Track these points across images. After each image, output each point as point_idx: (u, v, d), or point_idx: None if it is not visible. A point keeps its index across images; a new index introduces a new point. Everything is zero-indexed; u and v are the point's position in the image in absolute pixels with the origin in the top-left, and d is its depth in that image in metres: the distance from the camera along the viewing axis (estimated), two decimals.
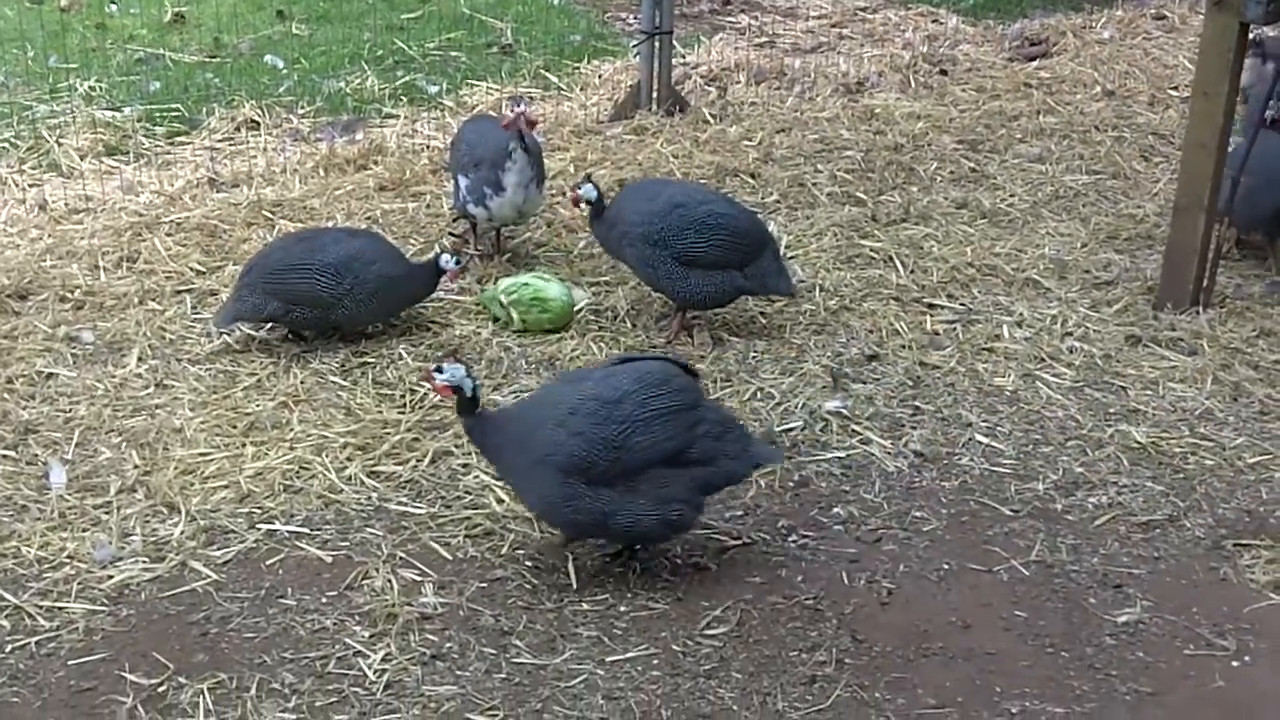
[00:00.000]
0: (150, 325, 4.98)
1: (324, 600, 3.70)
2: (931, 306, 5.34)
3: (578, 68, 7.73)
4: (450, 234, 5.71)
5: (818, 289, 5.42)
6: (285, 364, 4.78)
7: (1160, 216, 6.03)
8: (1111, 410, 4.71)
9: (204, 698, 3.35)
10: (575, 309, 5.15)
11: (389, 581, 3.76)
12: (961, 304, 5.37)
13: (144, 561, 3.82)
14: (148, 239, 5.58)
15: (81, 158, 6.31)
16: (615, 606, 3.73)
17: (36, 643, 3.53)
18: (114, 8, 8.50)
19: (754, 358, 4.96)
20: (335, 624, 3.62)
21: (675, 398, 3.68)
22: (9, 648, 3.51)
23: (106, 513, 4.00)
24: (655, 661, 3.55)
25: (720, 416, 3.81)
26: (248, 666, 3.47)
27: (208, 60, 7.67)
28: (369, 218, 5.84)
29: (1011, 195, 6.36)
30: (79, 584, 3.72)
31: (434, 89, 7.34)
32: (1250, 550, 4.03)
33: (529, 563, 3.88)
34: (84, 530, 3.93)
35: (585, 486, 3.60)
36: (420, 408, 4.56)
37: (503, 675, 3.48)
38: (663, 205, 4.90)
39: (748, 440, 3.86)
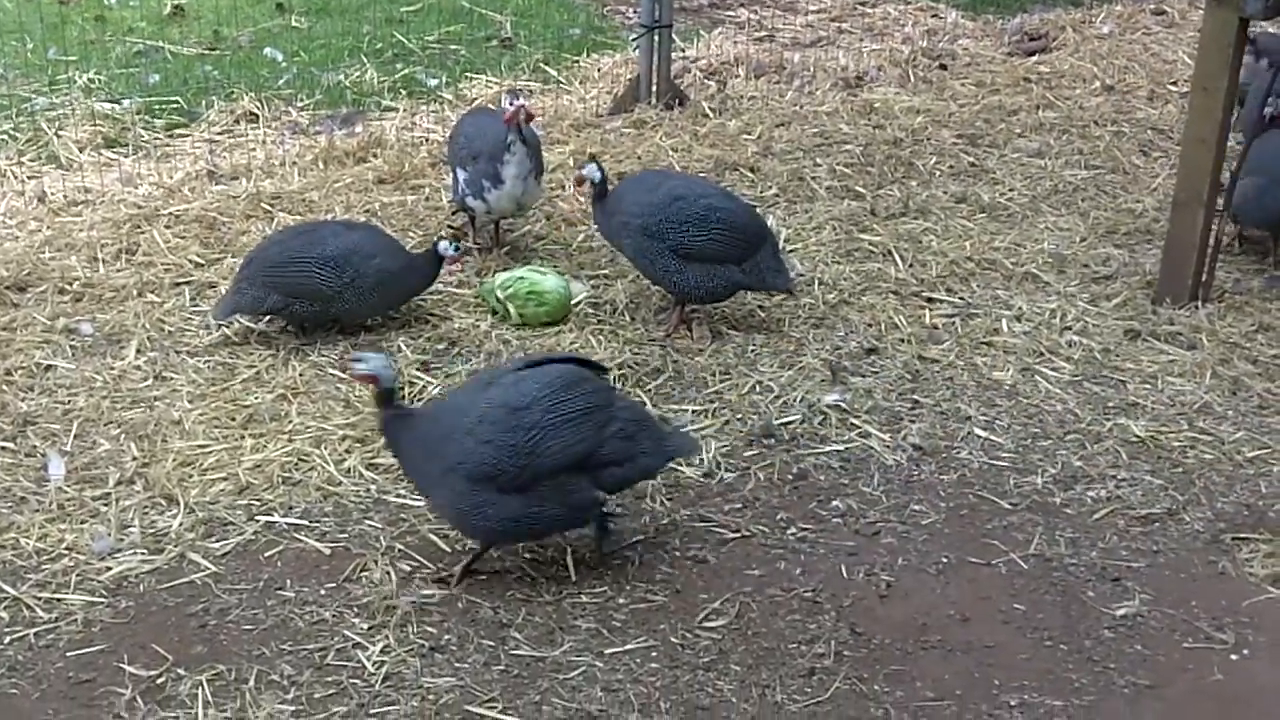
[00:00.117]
0: (149, 317, 4.98)
1: (323, 592, 3.70)
2: (930, 300, 5.34)
3: (577, 61, 7.73)
4: (449, 226, 5.71)
5: (817, 283, 5.41)
6: (284, 356, 4.78)
7: (1159, 211, 6.04)
8: (1110, 404, 4.71)
9: (202, 689, 3.35)
10: (574, 302, 5.15)
11: (387, 574, 3.76)
12: (960, 298, 5.37)
13: (142, 553, 3.82)
14: (147, 231, 5.57)
15: (80, 150, 6.30)
16: (614, 599, 3.74)
17: (35, 634, 3.53)
18: (113, 0, 8.48)
19: (753, 351, 4.96)
20: (334, 616, 3.62)
21: (584, 400, 3.64)
22: (8, 639, 3.51)
23: (105, 504, 4.00)
24: (654, 654, 3.55)
25: (632, 414, 3.77)
26: (246, 658, 3.47)
27: (207, 53, 7.66)
28: (368, 210, 5.84)
29: (1010, 190, 6.36)
30: (78, 576, 3.72)
31: (433, 82, 7.34)
32: (1249, 544, 4.04)
33: (527, 555, 3.88)
34: (83, 522, 3.93)
35: (495, 494, 3.56)
36: (419, 400, 4.56)
37: (501, 667, 3.48)
38: (662, 197, 4.89)
39: (662, 435, 3.83)
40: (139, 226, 5.61)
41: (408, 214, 5.85)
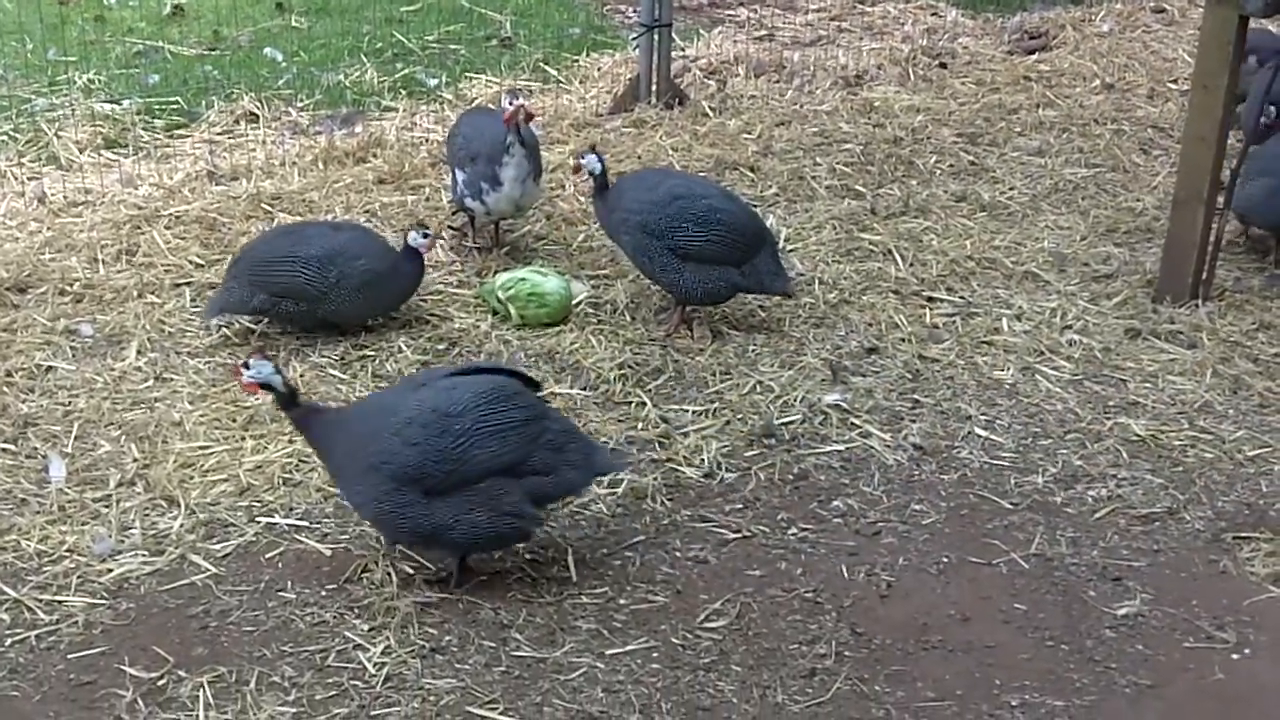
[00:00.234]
0: (149, 318, 4.98)
1: (323, 594, 3.70)
2: (931, 300, 5.34)
3: (577, 61, 7.72)
4: (449, 227, 5.71)
5: (817, 282, 5.41)
6: (285, 357, 4.78)
7: (1159, 209, 6.03)
8: (1111, 403, 4.71)
9: (204, 691, 3.35)
10: (574, 302, 5.15)
11: (388, 575, 3.76)
12: (961, 297, 5.37)
13: (143, 555, 3.82)
14: (147, 232, 5.57)
15: (80, 151, 6.30)
16: (615, 599, 3.74)
17: (36, 636, 3.53)
18: (113, 0, 8.48)
19: (753, 351, 4.96)
20: (335, 617, 3.62)
21: (516, 412, 3.61)
22: (9, 641, 3.51)
23: (106, 506, 4.00)
24: (655, 655, 3.55)
25: (563, 428, 3.74)
26: (247, 660, 3.47)
27: (207, 53, 7.66)
28: (367, 210, 5.84)
29: (1011, 188, 6.35)
30: (78, 577, 3.72)
31: (433, 82, 7.34)
32: (1250, 543, 4.04)
33: (528, 556, 3.88)
34: (83, 524, 3.93)
35: (419, 496, 3.54)
36: None
37: (502, 668, 3.48)
38: (663, 196, 4.89)
39: (591, 450, 3.79)
40: (139, 227, 5.61)
41: (408, 214, 5.84)
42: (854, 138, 6.80)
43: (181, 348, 4.83)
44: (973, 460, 4.39)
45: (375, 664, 3.46)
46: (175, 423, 4.39)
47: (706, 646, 3.58)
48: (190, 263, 5.37)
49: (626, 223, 4.93)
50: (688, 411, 4.57)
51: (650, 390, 4.67)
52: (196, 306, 5.10)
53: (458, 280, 5.35)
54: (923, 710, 3.41)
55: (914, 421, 4.56)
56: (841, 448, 4.42)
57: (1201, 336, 5.10)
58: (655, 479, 4.21)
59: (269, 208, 5.82)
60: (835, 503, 4.17)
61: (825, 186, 6.28)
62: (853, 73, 7.70)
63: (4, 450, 4.25)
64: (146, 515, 3.98)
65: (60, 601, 3.64)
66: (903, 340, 5.04)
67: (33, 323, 4.93)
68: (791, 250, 5.65)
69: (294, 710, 3.32)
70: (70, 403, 4.49)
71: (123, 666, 3.43)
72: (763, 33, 8.36)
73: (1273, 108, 5.69)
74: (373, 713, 3.33)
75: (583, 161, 5.03)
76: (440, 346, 4.90)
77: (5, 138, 6.41)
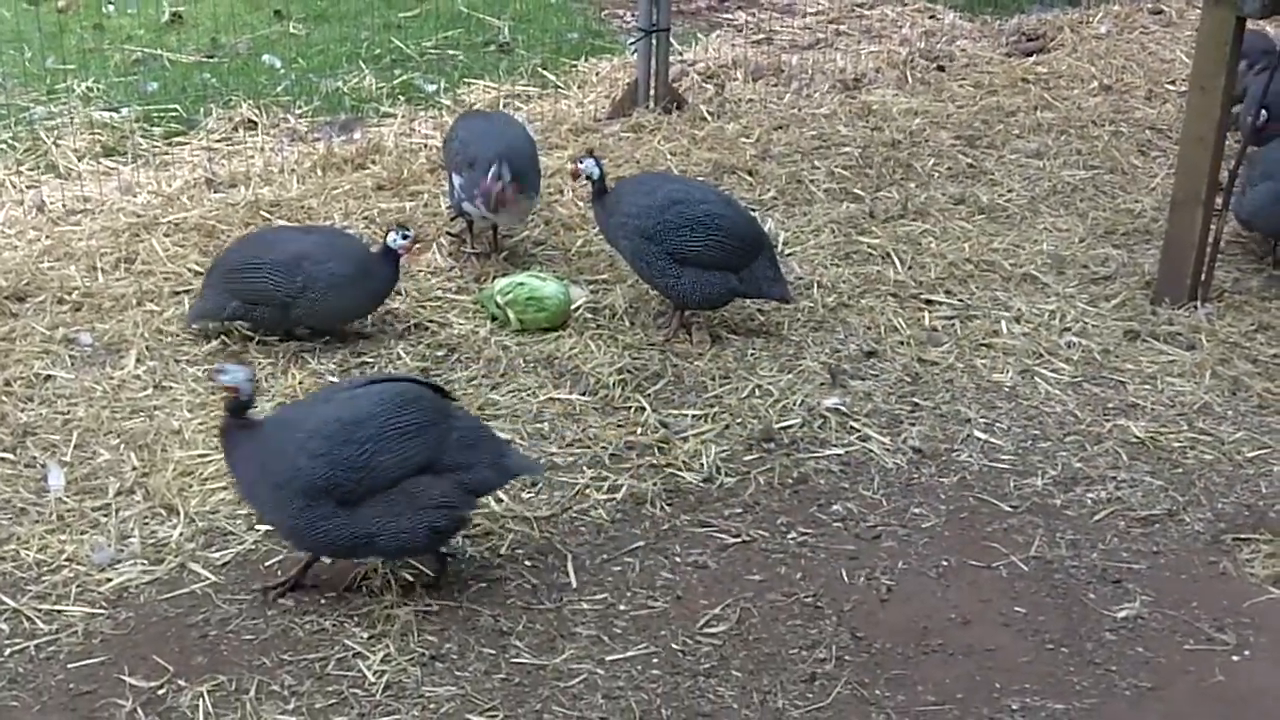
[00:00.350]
0: (148, 326, 4.98)
1: (323, 602, 3.70)
2: (929, 303, 5.34)
3: (575, 65, 7.73)
4: (448, 233, 5.71)
5: (816, 286, 5.41)
6: (284, 365, 4.78)
7: (1158, 211, 6.03)
8: (1110, 405, 4.71)
9: (203, 700, 3.35)
10: (573, 307, 5.15)
11: (388, 582, 3.76)
12: (959, 300, 5.37)
13: (143, 564, 3.81)
14: (145, 240, 5.57)
15: (79, 159, 6.30)
16: (614, 606, 3.73)
17: (35, 646, 3.52)
18: (111, 8, 8.49)
19: (752, 355, 4.96)
20: (334, 625, 3.62)
21: (418, 415, 3.59)
22: (8, 651, 3.51)
23: (105, 515, 4.00)
24: (655, 660, 3.55)
25: (472, 427, 3.73)
26: (247, 668, 3.47)
27: (205, 60, 7.67)
28: (366, 217, 5.84)
29: (1009, 191, 6.35)
30: (78, 587, 3.72)
31: (431, 88, 7.34)
32: (1249, 544, 4.03)
33: (528, 562, 3.88)
34: (83, 533, 3.93)
35: (336, 508, 3.50)
36: None
37: (502, 675, 3.48)
38: (661, 200, 4.89)
39: (503, 451, 3.78)
40: (138, 235, 5.61)
41: (406, 220, 5.84)
42: (852, 141, 6.81)
43: (181, 356, 4.83)
44: (972, 463, 4.38)
45: (375, 672, 3.46)
46: (174, 431, 4.39)
47: (707, 652, 3.58)
48: (189, 270, 5.36)
49: (624, 227, 4.93)
50: (687, 416, 4.57)
51: (649, 395, 4.67)
52: None
53: (456, 286, 5.35)
54: (923, 714, 3.41)
55: (913, 425, 4.56)
56: (841, 451, 4.42)
57: (1200, 338, 5.10)
58: (655, 484, 4.21)
59: (268, 215, 5.82)
60: (835, 506, 4.17)
61: (824, 190, 6.28)
62: (851, 76, 7.70)
63: (3, 459, 4.25)
64: (146, 524, 3.98)
65: (60, 611, 3.64)
66: (902, 343, 5.04)
67: (31, 331, 4.93)
68: (790, 254, 5.65)
69: (294, 718, 3.32)
70: (69, 411, 4.49)
71: (122, 676, 3.43)
72: (760, 36, 8.36)
73: (1264, 110, 5.68)
74: None
75: (581, 166, 5.03)
76: (439, 353, 4.90)
77: (4, 146, 6.41)
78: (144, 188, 6.07)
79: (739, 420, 4.55)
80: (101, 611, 3.65)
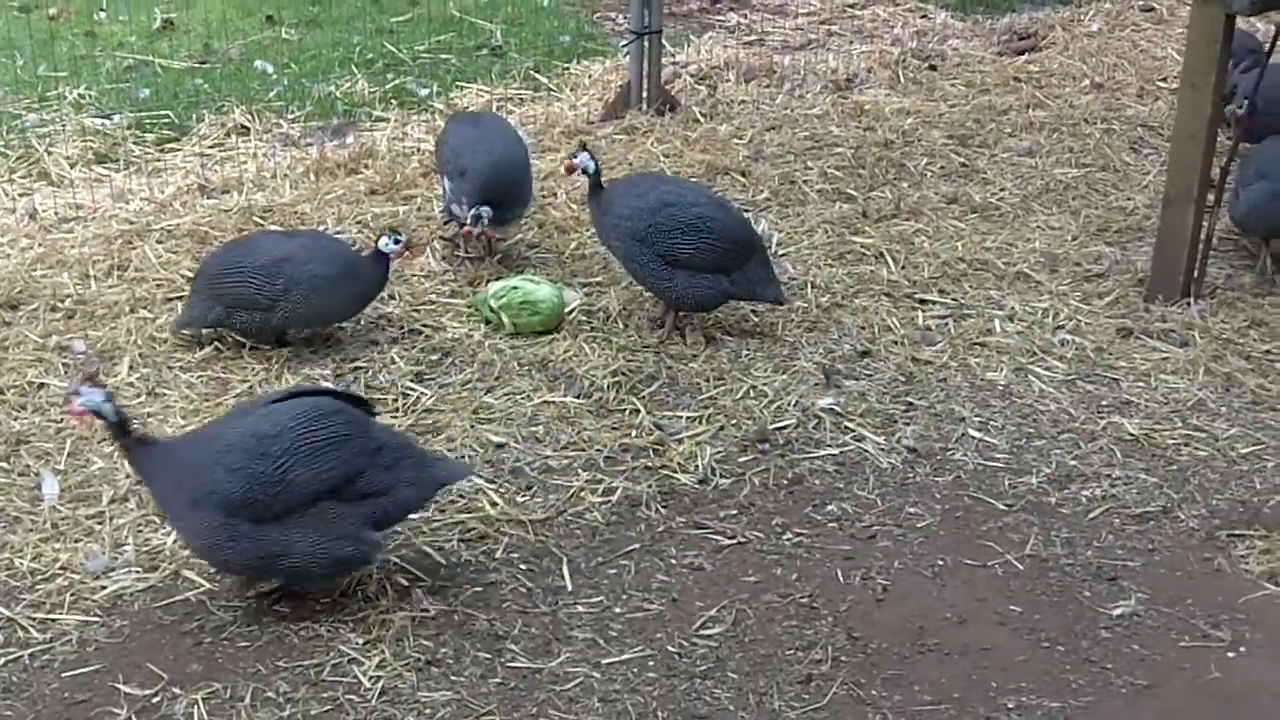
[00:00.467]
0: (141, 334, 4.97)
1: (317, 607, 3.70)
2: (923, 302, 5.34)
3: (567, 68, 7.73)
4: (441, 237, 5.71)
5: (809, 286, 5.41)
6: (277, 370, 4.78)
7: (1150, 208, 6.04)
8: (1104, 403, 4.71)
9: (198, 707, 3.35)
10: (567, 310, 5.15)
11: (383, 588, 3.75)
12: (953, 299, 5.37)
13: (137, 571, 3.81)
14: (138, 247, 5.56)
15: (71, 166, 6.29)
16: (610, 608, 3.73)
17: (30, 655, 3.52)
18: (103, 15, 8.48)
19: (746, 356, 4.96)
20: (329, 631, 3.61)
21: (336, 429, 3.53)
22: (2, 660, 3.50)
23: (99, 523, 4.00)
24: (651, 663, 3.55)
25: (395, 443, 3.65)
26: (242, 675, 3.46)
27: (197, 66, 7.66)
28: (359, 221, 5.83)
29: (1001, 189, 6.36)
30: (72, 595, 3.72)
31: (424, 92, 7.34)
32: (1244, 540, 4.04)
33: (523, 566, 3.88)
34: (77, 541, 3.92)
35: (249, 526, 3.45)
36: (413, 412, 4.55)
37: (498, 680, 3.48)
38: (653, 202, 4.89)
39: (427, 464, 3.72)
40: (130, 242, 5.60)
41: (400, 224, 5.84)
42: (845, 141, 6.81)
43: (174, 362, 4.82)
44: (967, 462, 4.39)
45: (370, 677, 3.46)
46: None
47: (703, 654, 3.58)
48: (182, 277, 5.35)
49: (617, 229, 4.93)
50: (681, 418, 4.56)
51: (644, 397, 4.67)
52: None
53: (450, 290, 5.35)
54: (920, 714, 3.41)
55: (908, 424, 4.56)
56: (835, 451, 4.42)
57: (1193, 334, 5.10)
58: (650, 486, 4.21)
59: (261, 220, 5.82)
60: (830, 507, 4.17)
61: (816, 190, 6.28)
62: (843, 76, 7.70)
63: None
64: (140, 531, 3.97)
65: (54, 619, 3.64)
66: (895, 343, 5.04)
67: (24, 339, 4.92)
68: (783, 254, 5.65)
69: None
70: (62, 419, 4.48)
71: (117, 684, 3.42)
72: (752, 37, 8.36)
73: (1246, 100, 5.68)
74: None
75: (575, 161, 5.03)
76: (433, 357, 4.90)
77: None
78: (136, 194, 6.06)
79: (734, 421, 4.55)
80: (96, 619, 3.64)
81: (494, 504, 4.10)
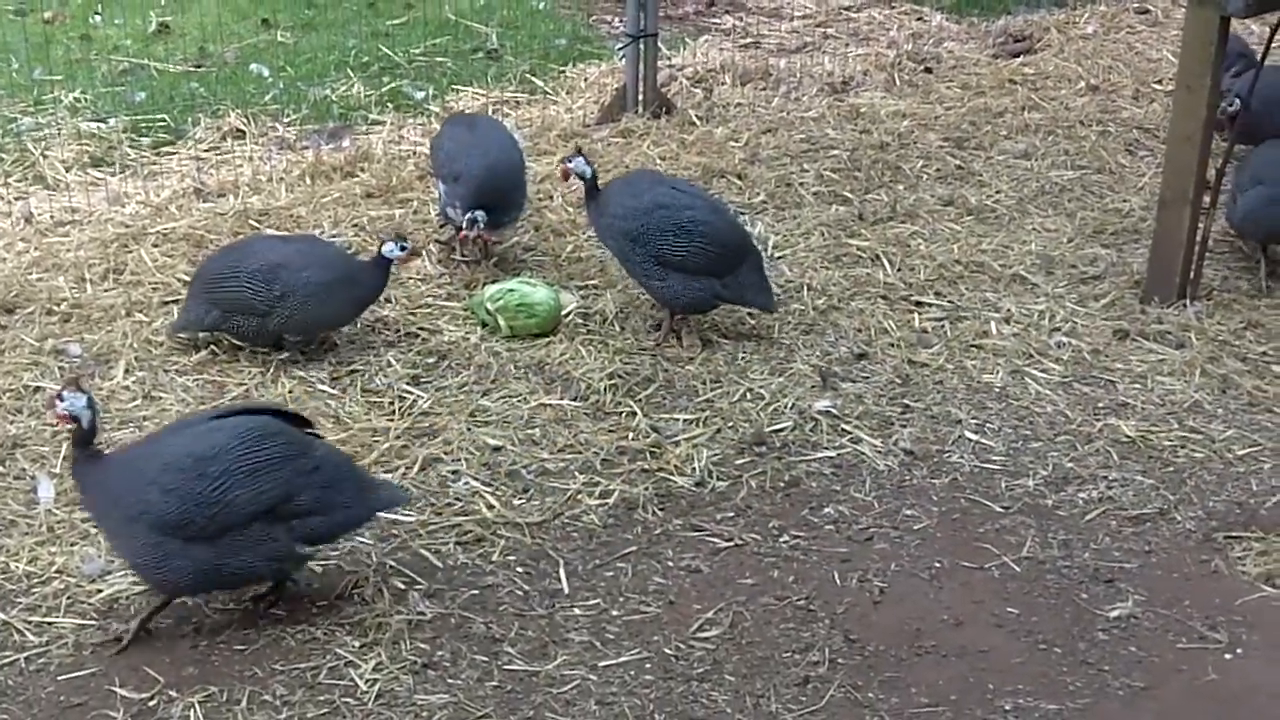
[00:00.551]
0: (137, 337, 4.96)
1: (314, 610, 3.69)
2: (919, 304, 5.34)
3: (563, 71, 7.72)
4: (436, 240, 5.70)
5: (805, 289, 5.41)
6: (273, 373, 4.77)
7: (1146, 210, 6.04)
8: (1100, 405, 4.71)
9: (195, 711, 3.34)
10: (563, 313, 5.15)
11: (379, 591, 3.75)
12: (949, 301, 5.38)
13: (133, 575, 3.80)
14: (134, 250, 5.56)
15: (67, 170, 6.29)
16: (607, 611, 3.73)
17: (25, 659, 3.51)
18: (98, 19, 8.47)
19: (743, 358, 4.96)
20: (326, 634, 3.61)
21: (275, 450, 3.51)
22: None
23: (94, 526, 3.99)
24: (648, 666, 3.54)
25: (335, 463, 3.64)
26: (238, 679, 3.46)
27: (193, 70, 7.65)
28: (355, 224, 5.83)
29: (998, 192, 6.36)
30: (68, 598, 3.71)
31: (420, 95, 7.33)
32: (1241, 542, 4.04)
33: (520, 569, 3.88)
34: (73, 544, 3.91)
35: (181, 545, 3.42)
36: (409, 415, 4.55)
37: (494, 683, 3.47)
38: (646, 204, 4.90)
39: (367, 486, 3.70)
40: (126, 246, 5.60)
41: (396, 228, 5.83)
42: (841, 144, 6.81)
43: (170, 366, 4.81)
44: (963, 464, 4.39)
45: (367, 681, 3.45)
46: None
47: (700, 656, 3.58)
48: (178, 280, 5.35)
49: (612, 228, 4.95)
50: (678, 420, 4.56)
51: (641, 400, 4.67)
52: None
53: (446, 293, 5.35)
54: (917, 716, 3.41)
55: (904, 426, 4.56)
56: (832, 454, 4.42)
57: (1190, 336, 5.11)
58: (646, 489, 4.21)
59: (257, 224, 5.81)
60: (827, 509, 4.17)
61: (813, 193, 6.28)
62: (839, 79, 7.71)
63: None
64: None
65: (50, 623, 3.63)
66: (892, 345, 5.04)
67: (20, 343, 4.91)
68: (780, 257, 5.65)
69: None
70: (58, 423, 4.47)
71: (113, 688, 3.42)
72: (748, 40, 8.36)
73: (1236, 98, 5.69)
74: None
75: (570, 165, 5.04)
76: (430, 360, 4.90)
77: None
78: (132, 198, 6.06)
79: (730, 424, 4.55)
80: (92, 623, 3.63)
81: (490, 507, 4.10)
